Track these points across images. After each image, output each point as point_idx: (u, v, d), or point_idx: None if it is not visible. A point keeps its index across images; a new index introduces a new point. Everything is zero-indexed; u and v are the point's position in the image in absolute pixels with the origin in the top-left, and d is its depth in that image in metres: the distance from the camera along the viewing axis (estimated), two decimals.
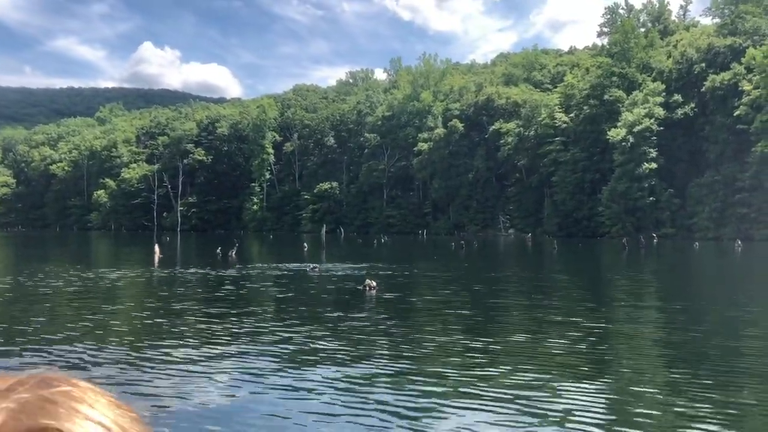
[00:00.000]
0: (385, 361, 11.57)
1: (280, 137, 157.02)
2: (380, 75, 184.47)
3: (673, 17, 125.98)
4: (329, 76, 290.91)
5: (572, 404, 8.74)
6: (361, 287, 22.60)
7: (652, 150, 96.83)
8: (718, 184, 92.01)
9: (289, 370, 10.86)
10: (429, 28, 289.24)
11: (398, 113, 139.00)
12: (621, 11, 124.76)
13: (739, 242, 64.27)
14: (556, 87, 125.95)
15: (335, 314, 17.35)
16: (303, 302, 20.18)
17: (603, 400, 9.16)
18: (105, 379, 9.85)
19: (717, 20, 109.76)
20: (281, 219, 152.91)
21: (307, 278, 28.74)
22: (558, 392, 9.34)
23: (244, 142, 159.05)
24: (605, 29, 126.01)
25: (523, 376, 10.23)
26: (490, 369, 10.89)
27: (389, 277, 28.38)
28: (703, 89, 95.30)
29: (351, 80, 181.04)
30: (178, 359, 11.54)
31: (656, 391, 9.66)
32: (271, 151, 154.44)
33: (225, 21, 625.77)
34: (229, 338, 13.79)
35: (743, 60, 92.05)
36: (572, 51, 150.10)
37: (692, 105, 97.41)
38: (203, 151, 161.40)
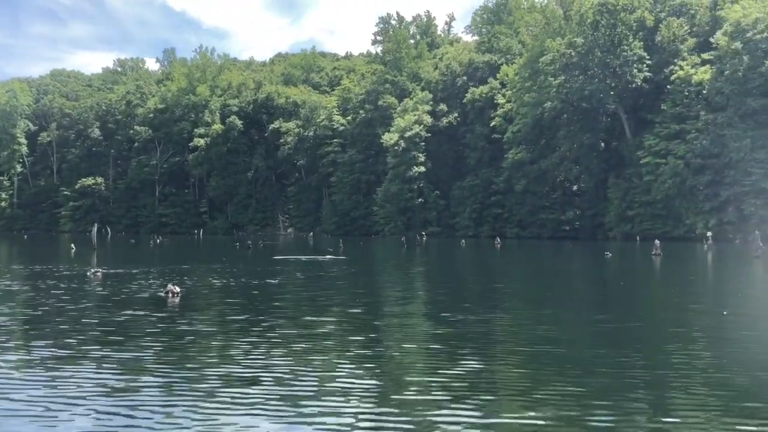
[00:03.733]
0: (193, 373, 11.13)
1: (34, 126, 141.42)
2: (152, 65, 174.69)
3: (439, 32, 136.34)
4: (92, 62, 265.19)
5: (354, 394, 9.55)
6: (162, 293, 21.27)
7: (421, 154, 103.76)
8: (477, 187, 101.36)
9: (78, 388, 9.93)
10: (203, 21, 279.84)
11: (172, 106, 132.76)
12: (393, 22, 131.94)
13: (498, 239, 71.84)
14: (333, 90, 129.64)
15: (137, 324, 16.16)
16: (94, 312, 18.39)
17: (374, 387, 10.15)
18: None
19: (476, 38, 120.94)
20: (36, 217, 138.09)
21: (90, 284, 26.30)
22: (338, 383, 10.22)
23: None
24: (379, 38, 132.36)
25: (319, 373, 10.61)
26: (285, 370, 11.03)
27: (183, 281, 27.07)
28: (465, 100, 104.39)
29: (119, 68, 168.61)
30: None
31: (421, 369, 10.68)
32: (23, 141, 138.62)
33: None
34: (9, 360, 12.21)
35: (498, 76, 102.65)
36: (348, 56, 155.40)
37: (456, 114, 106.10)
38: None
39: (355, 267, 38.12)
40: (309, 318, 17.39)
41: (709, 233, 60.30)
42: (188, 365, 11.70)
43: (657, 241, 48.26)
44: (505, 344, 14.12)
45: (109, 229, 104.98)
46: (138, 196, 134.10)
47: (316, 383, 10.36)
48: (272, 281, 28.25)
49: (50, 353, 12.61)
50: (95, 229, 57.11)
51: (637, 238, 76.19)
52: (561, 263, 45.21)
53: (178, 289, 21.12)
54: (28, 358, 12.47)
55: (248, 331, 15.30)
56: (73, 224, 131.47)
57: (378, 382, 10.46)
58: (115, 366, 11.52)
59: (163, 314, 17.83)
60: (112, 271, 31.98)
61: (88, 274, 29.80)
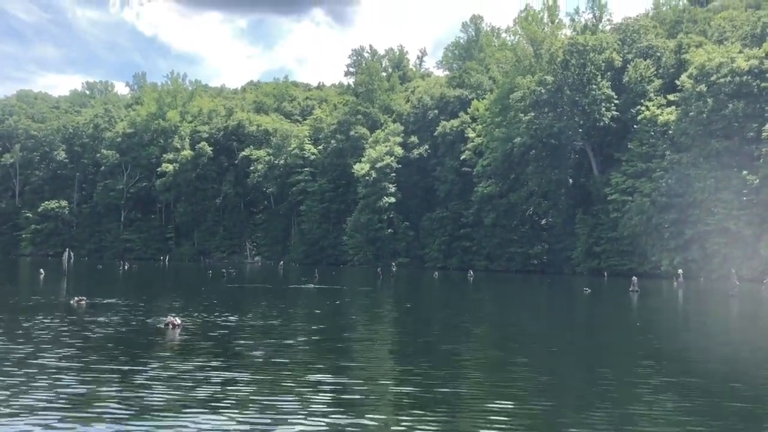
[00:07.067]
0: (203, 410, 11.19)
1: None
2: (122, 89, 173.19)
3: (411, 65, 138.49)
4: (59, 84, 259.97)
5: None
6: (162, 325, 21.02)
7: (391, 185, 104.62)
8: (446, 219, 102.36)
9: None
10: (173, 47, 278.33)
11: (141, 131, 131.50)
12: (366, 54, 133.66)
13: (471, 272, 72.51)
14: (305, 119, 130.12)
15: (141, 359, 16.01)
16: (91, 345, 18.02)
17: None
18: None
19: (447, 73, 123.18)
20: None
21: (75, 313, 25.79)
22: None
23: None
24: (351, 69, 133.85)
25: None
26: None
27: (173, 311, 26.73)
28: (436, 133, 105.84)
29: (88, 91, 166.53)
30: None
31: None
32: None
33: None
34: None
35: (469, 110, 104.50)
36: (321, 87, 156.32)
37: (426, 147, 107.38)
38: None
39: (340, 299, 38.03)
40: (322, 361, 17.46)
41: (680, 271, 61.78)
42: (214, 404, 11.73)
43: (634, 278, 49.41)
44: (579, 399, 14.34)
45: (71, 254, 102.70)
46: (102, 221, 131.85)
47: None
48: (260, 313, 28.15)
49: (74, 388, 12.48)
50: (67, 254, 55.96)
51: (605, 274, 77.70)
52: (549, 300, 45.52)
53: (178, 321, 20.91)
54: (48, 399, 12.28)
55: (260, 367, 15.32)
56: (33, 248, 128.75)
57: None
58: (142, 407, 11.48)
59: (168, 347, 17.69)
60: (97, 300, 31.31)
61: (72, 303, 29.23)
